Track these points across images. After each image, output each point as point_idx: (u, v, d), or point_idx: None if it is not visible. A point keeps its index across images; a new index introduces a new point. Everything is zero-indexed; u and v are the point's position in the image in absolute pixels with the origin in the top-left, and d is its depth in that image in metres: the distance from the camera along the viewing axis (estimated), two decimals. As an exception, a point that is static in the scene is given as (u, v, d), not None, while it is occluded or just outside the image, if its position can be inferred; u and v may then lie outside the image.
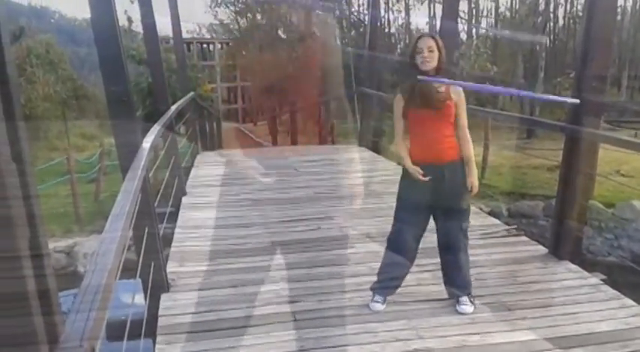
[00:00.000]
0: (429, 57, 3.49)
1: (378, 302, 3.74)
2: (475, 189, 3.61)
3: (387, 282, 3.80)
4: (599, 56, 4.42)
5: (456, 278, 3.76)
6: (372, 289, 3.82)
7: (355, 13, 22.03)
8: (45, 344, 1.35)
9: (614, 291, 3.96)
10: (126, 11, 18.81)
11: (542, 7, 20.76)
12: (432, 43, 3.50)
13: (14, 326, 1.31)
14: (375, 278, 3.86)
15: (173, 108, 7.13)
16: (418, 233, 3.73)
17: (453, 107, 3.55)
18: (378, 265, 3.96)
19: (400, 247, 3.75)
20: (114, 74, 4.21)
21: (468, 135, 3.62)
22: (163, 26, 11.57)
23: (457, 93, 3.58)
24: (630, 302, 3.79)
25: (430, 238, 3.81)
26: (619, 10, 20.81)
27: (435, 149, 3.59)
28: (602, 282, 4.14)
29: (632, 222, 9.54)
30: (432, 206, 3.66)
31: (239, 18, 25.27)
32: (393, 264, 3.80)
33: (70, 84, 23.09)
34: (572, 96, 4.24)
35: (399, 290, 3.87)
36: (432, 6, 25.00)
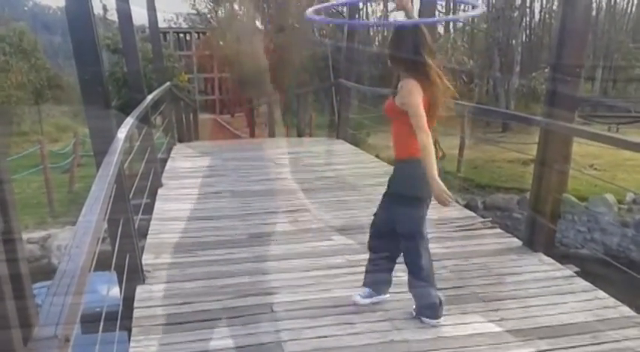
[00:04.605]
0: None
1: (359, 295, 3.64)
2: None
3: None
4: (573, 49, 4.46)
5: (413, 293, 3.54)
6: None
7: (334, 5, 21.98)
8: (18, 329, 1.33)
9: (587, 283, 4.02)
10: (101, -1, 18.55)
11: (518, 1, 20.91)
12: None
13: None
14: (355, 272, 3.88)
15: (149, 98, 7.06)
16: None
17: None
18: (354, 257, 3.96)
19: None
20: (88, 63, 4.15)
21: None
22: (139, 15, 11.41)
23: None
24: (602, 294, 3.84)
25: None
26: (594, 6, 21.05)
27: None
28: (575, 274, 4.19)
29: (605, 216, 9.71)
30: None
31: (217, 7, 25.06)
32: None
33: (43, 73, 22.71)
34: (547, 90, 4.27)
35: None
36: (410, -1, 24.96)
